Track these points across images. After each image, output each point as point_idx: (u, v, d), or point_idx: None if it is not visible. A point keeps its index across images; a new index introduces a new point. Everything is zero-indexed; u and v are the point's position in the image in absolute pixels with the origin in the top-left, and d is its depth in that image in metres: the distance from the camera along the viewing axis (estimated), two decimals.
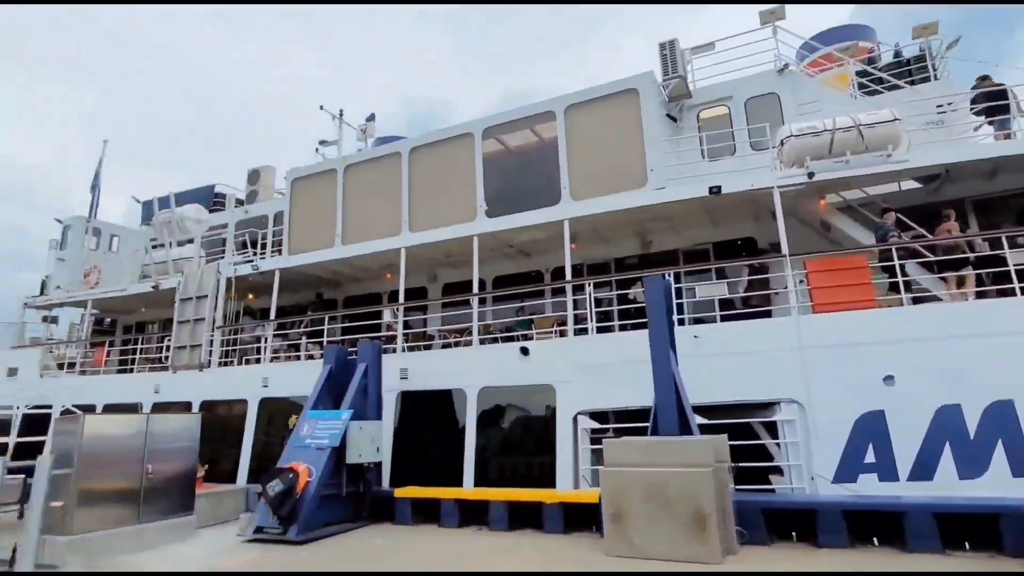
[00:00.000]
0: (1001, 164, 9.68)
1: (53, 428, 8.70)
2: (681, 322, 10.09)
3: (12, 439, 11.42)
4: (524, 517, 8.68)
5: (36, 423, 12.12)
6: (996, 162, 9.61)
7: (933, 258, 9.27)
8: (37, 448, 9.27)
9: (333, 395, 10.40)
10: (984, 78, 10.60)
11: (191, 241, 16.45)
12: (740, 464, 8.37)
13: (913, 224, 9.98)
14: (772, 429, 8.87)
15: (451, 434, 10.64)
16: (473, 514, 9.06)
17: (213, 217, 17.57)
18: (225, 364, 14.00)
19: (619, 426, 9.39)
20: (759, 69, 12.05)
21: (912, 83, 12.11)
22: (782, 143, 9.94)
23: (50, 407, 13.92)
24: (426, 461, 10.78)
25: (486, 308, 12.93)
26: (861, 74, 12.35)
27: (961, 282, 9.04)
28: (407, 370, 11.33)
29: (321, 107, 17.78)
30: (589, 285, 10.52)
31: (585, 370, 9.82)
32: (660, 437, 7.40)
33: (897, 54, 13.24)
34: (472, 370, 10.77)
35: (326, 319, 13.37)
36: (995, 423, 7.57)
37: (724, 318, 9.98)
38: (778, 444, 8.71)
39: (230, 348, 14.28)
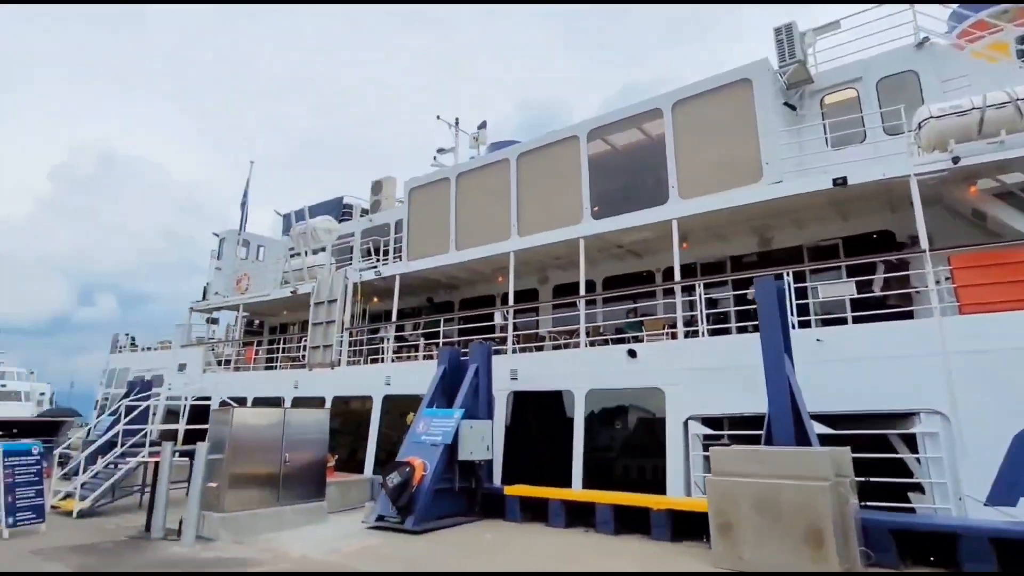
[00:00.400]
0: None
1: (211, 418, 9.94)
2: (807, 324, 9.40)
3: (181, 426, 13.15)
4: (632, 521, 8.57)
5: (200, 412, 13.86)
6: None
7: None
8: (201, 435, 10.62)
9: (447, 394, 10.90)
10: None
11: (324, 249, 17.97)
12: (874, 479, 7.70)
13: None
14: (912, 442, 8.03)
15: (560, 434, 10.72)
16: (580, 515, 9.10)
17: (342, 227, 19.05)
18: (353, 363, 15.14)
19: (734, 433, 9.00)
20: (894, 46, 10.92)
21: None
22: (920, 126, 8.96)
23: (210, 399, 15.84)
24: (537, 460, 10.96)
25: (596, 310, 12.89)
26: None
27: None
28: (517, 371, 11.59)
29: (438, 117, 18.64)
30: (699, 286, 10.14)
31: (695, 373, 9.49)
32: (772, 447, 6.99)
33: None
34: (579, 372, 10.79)
35: (441, 321, 14.01)
36: None
37: (858, 319, 9.15)
38: (918, 459, 7.88)
39: (358, 348, 15.43)
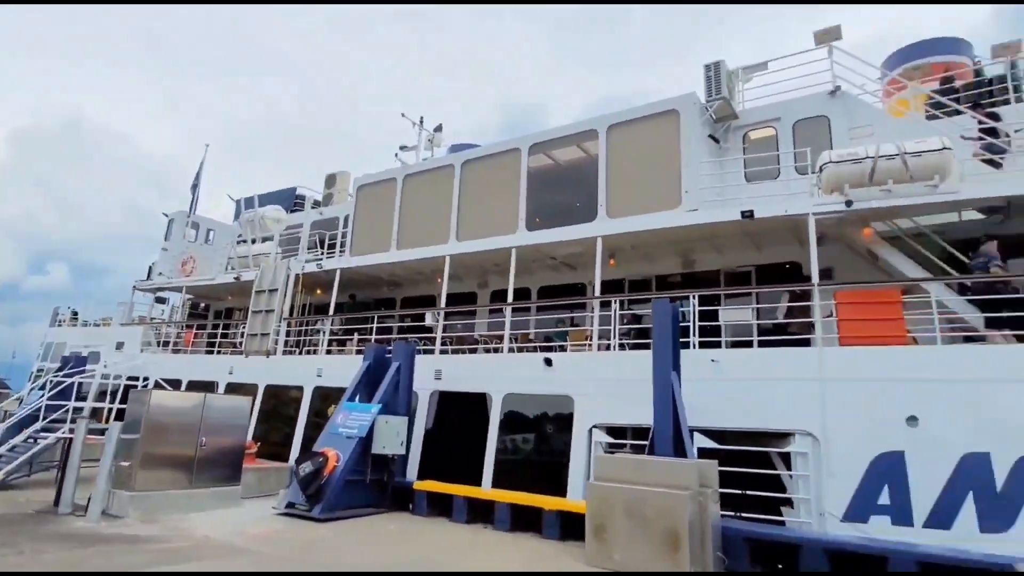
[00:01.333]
0: None
1: (129, 398, 10.09)
2: (718, 345, 10.03)
3: (106, 405, 13.13)
4: (529, 520, 9.06)
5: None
6: None
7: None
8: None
9: (369, 389, 11.25)
10: None
11: (272, 238, 18.06)
12: (749, 492, 8.36)
13: (963, 257, 9.45)
14: (788, 460, 8.74)
15: (477, 435, 11.17)
16: (483, 512, 9.55)
17: (291, 217, 19.17)
18: (289, 353, 15.34)
19: (636, 443, 9.57)
20: (815, 90, 11.71)
21: (993, 105, 11.32)
22: (821, 168, 9.71)
23: (146, 379, 15.78)
24: (453, 458, 11.38)
25: (529, 317, 13.37)
26: (943, 93, 11.63)
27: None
28: (441, 371, 12.01)
29: (403, 114, 18.73)
30: (615, 302, 10.72)
31: (604, 384, 10.05)
32: (649, 456, 7.57)
33: (978, 73, 12.36)
34: (499, 376, 11.27)
35: (375, 318, 14.32)
36: None
37: (764, 344, 9.84)
38: (791, 476, 8.58)
39: (296, 338, 15.63)
